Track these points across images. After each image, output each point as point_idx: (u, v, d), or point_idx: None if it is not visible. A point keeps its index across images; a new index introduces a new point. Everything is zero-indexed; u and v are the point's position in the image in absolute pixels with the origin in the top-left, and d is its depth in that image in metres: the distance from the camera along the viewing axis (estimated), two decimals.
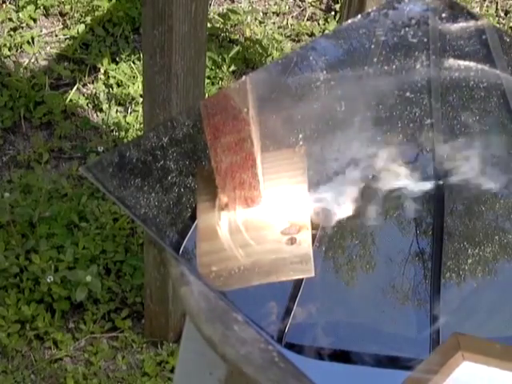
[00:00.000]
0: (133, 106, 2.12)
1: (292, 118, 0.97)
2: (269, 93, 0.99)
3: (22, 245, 1.80)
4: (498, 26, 2.35)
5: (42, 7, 2.33)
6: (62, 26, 2.32)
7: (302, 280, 0.80)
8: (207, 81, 2.15)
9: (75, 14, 2.31)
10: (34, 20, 2.31)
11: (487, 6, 2.49)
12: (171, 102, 1.38)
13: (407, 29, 1.05)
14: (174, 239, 0.83)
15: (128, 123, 2.07)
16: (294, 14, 2.43)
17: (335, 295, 0.83)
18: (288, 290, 0.80)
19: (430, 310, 0.80)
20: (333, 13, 2.41)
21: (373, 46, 1.03)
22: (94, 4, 2.30)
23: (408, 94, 0.99)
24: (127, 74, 2.17)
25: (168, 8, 1.28)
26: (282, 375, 0.73)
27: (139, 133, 2.04)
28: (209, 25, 2.25)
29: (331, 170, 0.90)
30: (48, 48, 2.26)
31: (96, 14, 2.29)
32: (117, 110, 2.12)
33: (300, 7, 2.45)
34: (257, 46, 2.27)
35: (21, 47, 2.24)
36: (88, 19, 2.29)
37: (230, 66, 2.21)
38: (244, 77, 1.03)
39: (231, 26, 2.34)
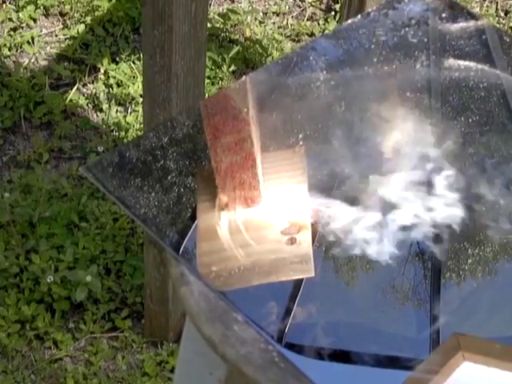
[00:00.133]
0: (133, 106, 2.12)
1: (292, 118, 0.97)
2: (269, 93, 0.99)
3: (22, 245, 1.80)
4: (497, 25, 2.35)
5: (41, 7, 2.33)
6: (61, 26, 2.32)
7: (301, 280, 0.80)
8: (207, 81, 2.15)
9: (75, 14, 2.31)
10: (34, 20, 2.31)
11: (487, 6, 2.49)
12: (171, 102, 1.38)
13: (407, 29, 1.05)
14: (174, 239, 0.83)
15: (128, 123, 2.07)
16: (294, 14, 2.43)
17: (335, 295, 0.83)
18: (288, 290, 0.80)
19: (430, 310, 0.80)
20: (333, 13, 2.41)
21: (373, 46, 1.03)
22: (94, 4, 2.30)
23: (408, 93, 0.99)
24: (127, 74, 2.17)
25: (168, 8, 1.28)
26: (282, 375, 0.73)
27: (139, 133, 2.04)
28: (209, 25, 2.25)
29: (331, 170, 0.90)
30: (48, 48, 2.26)
31: (96, 14, 2.29)
32: (117, 110, 2.12)
33: (300, 7, 2.45)
34: (257, 46, 2.27)
35: (21, 47, 2.24)
36: (88, 19, 2.29)
37: (230, 66, 2.21)
38: (244, 77, 1.03)
39: (231, 26, 2.34)
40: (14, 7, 2.32)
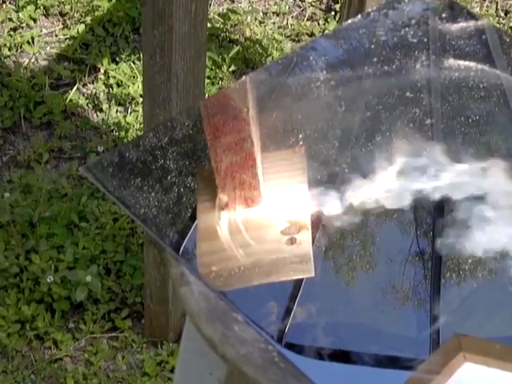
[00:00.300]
0: (133, 106, 2.12)
1: (292, 118, 0.97)
2: (269, 93, 0.99)
3: (22, 245, 1.80)
4: (497, 25, 2.35)
5: (41, 7, 2.33)
6: (61, 26, 2.32)
7: (301, 280, 0.80)
8: (207, 81, 2.15)
9: (75, 14, 2.31)
10: (34, 20, 2.31)
11: (487, 6, 2.49)
12: (171, 102, 1.38)
13: (407, 29, 1.05)
14: (174, 239, 0.83)
15: (128, 123, 2.07)
16: (294, 14, 2.43)
17: (335, 295, 0.83)
18: (288, 290, 0.80)
19: (430, 309, 0.80)
20: (333, 13, 2.41)
21: (373, 46, 1.03)
22: (94, 4, 2.30)
23: (408, 93, 0.99)
24: (127, 74, 2.17)
25: (168, 8, 1.28)
26: (282, 375, 0.73)
27: (139, 133, 2.04)
28: (209, 25, 2.24)
29: (331, 170, 0.90)
30: (48, 48, 2.26)
31: (96, 14, 2.29)
32: (117, 110, 2.12)
33: (300, 7, 2.45)
34: (257, 46, 2.27)
35: (21, 47, 2.24)
36: (88, 19, 2.29)
37: (230, 66, 2.21)
38: (244, 77, 1.03)
39: (231, 26, 2.34)
40: (14, 7, 2.32)
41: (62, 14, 2.34)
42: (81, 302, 1.75)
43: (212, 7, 2.40)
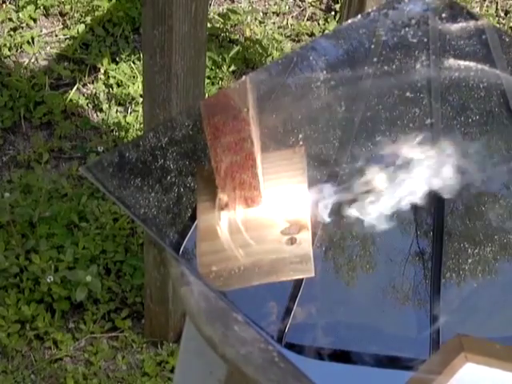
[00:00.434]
0: (133, 106, 2.12)
1: (292, 118, 0.97)
2: (269, 93, 0.99)
3: (22, 245, 1.80)
4: (497, 25, 2.35)
5: (41, 7, 2.33)
6: (61, 26, 2.31)
7: (302, 280, 0.80)
8: (207, 81, 2.15)
9: (75, 14, 2.31)
10: (34, 20, 2.31)
11: (487, 6, 2.49)
12: (171, 102, 1.38)
13: (407, 29, 1.05)
14: (174, 239, 0.83)
15: (128, 123, 2.07)
16: (294, 14, 2.43)
17: (335, 295, 0.83)
18: (288, 290, 0.80)
19: (430, 310, 0.80)
20: (333, 13, 2.41)
21: (373, 46, 1.03)
22: (94, 4, 2.30)
23: (408, 93, 0.99)
24: (127, 74, 2.17)
25: (168, 8, 1.28)
26: (282, 375, 0.73)
27: (139, 133, 2.04)
28: (209, 25, 2.24)
29: (331, 170, 0.90)
30: (48, 48, 2.25)
31: (96, 14, 2.29)
32: (117, 110, 2.12)
33: (300, 7, 2.45)
34: (257, 46, 2.27)
35: (21, 47, 2.24)
36: (88, 19, 2.29)
37: (230, 66, 2.21)
38: (244, 77, 1.03)
39: (231, 26, 2.34)
40: (14, 7, 2.32)
41: (62, 14, 2.34)
42: (81, 301, 1.75)
43: (212, 7, 2.40)
